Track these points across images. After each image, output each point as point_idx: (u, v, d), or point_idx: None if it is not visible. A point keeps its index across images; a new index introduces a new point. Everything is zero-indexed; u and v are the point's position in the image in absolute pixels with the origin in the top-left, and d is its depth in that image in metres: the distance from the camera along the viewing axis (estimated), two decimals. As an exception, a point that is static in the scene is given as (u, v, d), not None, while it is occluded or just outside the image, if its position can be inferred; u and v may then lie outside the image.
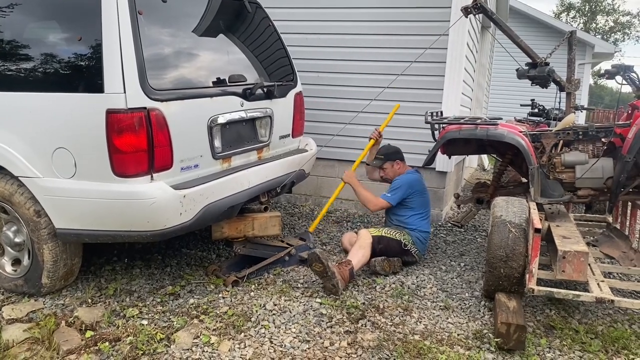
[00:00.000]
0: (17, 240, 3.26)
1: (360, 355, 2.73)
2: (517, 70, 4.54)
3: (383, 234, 3.87)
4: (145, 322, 2.99)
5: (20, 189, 3.09)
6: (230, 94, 3.50)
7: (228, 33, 3.76)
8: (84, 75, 2.94)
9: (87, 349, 2.68)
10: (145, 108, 2.84)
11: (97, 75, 2.82)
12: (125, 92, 2.78)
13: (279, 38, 4.18)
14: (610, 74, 4.04)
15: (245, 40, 3.88)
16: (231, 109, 3.49)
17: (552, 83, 4.51)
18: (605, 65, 22.13)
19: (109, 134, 2.79)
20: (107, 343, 2.73)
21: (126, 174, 2.86)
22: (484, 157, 9.76)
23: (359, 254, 3.70)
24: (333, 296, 3.36)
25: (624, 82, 4.06)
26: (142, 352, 2.68)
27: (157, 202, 2.87)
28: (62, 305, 3.16)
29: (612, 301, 2.87)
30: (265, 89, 3.82)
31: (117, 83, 2.78)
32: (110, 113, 2.78)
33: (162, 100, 2.94)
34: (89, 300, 3.22)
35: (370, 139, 4.37)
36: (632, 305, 2.92)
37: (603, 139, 3.63)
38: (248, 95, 3.62)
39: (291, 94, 4.23)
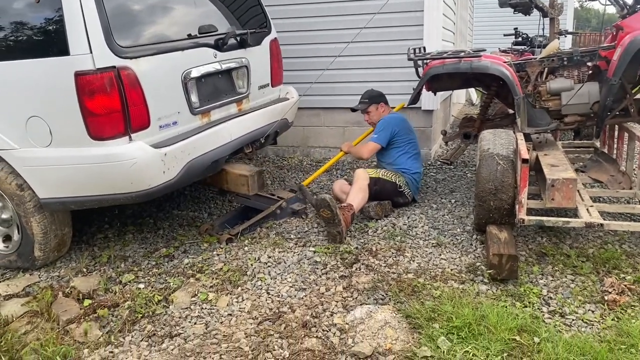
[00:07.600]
0: (4, 216, 3.23)
1: (356, 297, 2.77)
2: None
3: (380, 176, 3.88)
4: (142, 285, 3.01)
5: (-1, 165, 3.03)
6: (202, 46, 3.39)
7: (194, -17, 3.59)
8: (48, 39, 2.83)
9: (87, 317, 2.71)
10: (114, 67, 2.76)
11: (61, 37, 2.72)
12: (91, 52, 2.69)
13: None
14: (593, -5, 3.91)
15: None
16: (204, 61, 3.39)
17: (534, 9, 4.38)
18: (591, -14, 21.58)
19: (80, 97, 2.72)
20: (105, 309, 2.75)
21: (103, 137, 2.80)
22: (472, 91, 9.65)
23: (359, 197, 3.69)
24: (333, 243, 3.37)
25: (608, 2, 3.93)
26: (141, 315, 2.70)
27: (138, 162, 2.84)
28: (57, 277, 3.17)
29: (602, 225, 2.90)
30: (238, 38, 3.69)
31: (82, 44, 2.69)
32: (78, 75, 2.70)
33: (131, 58, 2.85)
34: (84, 270, 3.23)
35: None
36: (621, 227, 2.97)
37: (588, 64, 3.56)
38: (221, 45, 3.51)
39: (266, 42, 4.09)
